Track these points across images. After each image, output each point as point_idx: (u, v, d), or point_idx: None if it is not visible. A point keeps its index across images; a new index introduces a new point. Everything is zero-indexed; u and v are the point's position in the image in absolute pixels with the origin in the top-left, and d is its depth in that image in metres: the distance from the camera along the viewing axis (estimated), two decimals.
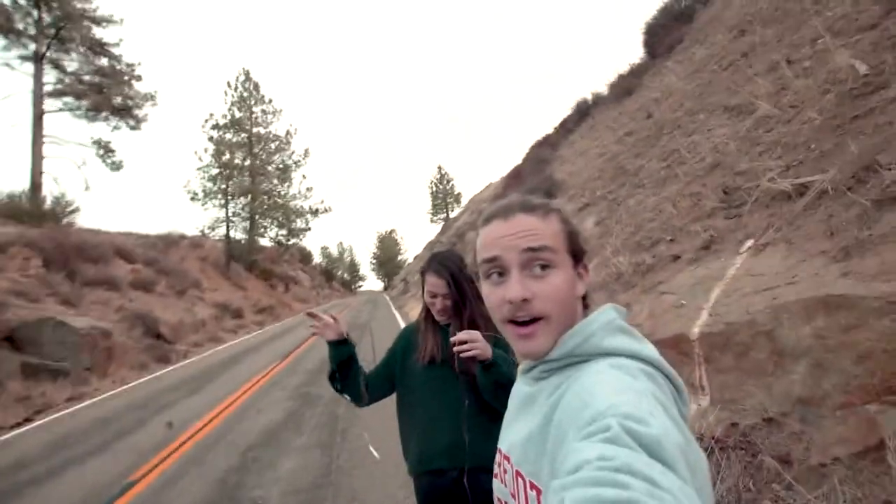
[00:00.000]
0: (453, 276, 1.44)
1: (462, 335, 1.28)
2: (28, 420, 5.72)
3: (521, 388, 0.73)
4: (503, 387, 1.28)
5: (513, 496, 0.66)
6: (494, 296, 0.63)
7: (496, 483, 0.73)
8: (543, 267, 0.61)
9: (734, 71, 5.73)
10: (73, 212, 16.21)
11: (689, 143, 5.28)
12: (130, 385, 7.99)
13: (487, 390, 1.32)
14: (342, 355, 1.53)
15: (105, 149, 19.47)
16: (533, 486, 0.60)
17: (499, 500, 0.72)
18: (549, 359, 0.64)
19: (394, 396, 1.60)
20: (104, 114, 19.11)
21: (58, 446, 4.60)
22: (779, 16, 5.72)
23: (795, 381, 1.96)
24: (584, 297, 0.69)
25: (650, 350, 0.61)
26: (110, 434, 4.91)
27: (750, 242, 2.90)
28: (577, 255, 0.66)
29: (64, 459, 4.19)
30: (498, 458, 0.73)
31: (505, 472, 0.69)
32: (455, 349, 1.28)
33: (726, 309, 2.49)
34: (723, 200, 3.60)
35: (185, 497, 3.21)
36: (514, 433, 0.69)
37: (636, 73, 11.41)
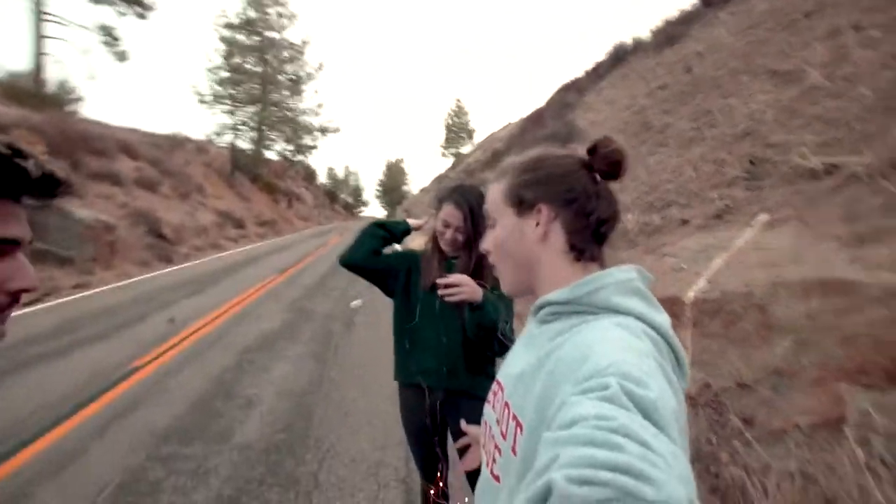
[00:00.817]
0: (472, 210, 1.42)
1: (451, 278, 1.29)
2: (37, 300, 5.97)
3: (529, 328, 0.75)
4: (486, 329, 1.33)
5: (498, 423, 0.70)
6: None
7: (487, 408, 0.77)
8: (492, 226, 0.73)
9: (793, 32, 5.29)
10: (76, 100, 15.74)
11: (724, 105, 5.00)
12: (133, 280, 8.26)
13: (471, 330, 1.36)
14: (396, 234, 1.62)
15: (110, 35, 18.38)
16: (515, 419, 0.62)
17: (485, 422, 0.77)
18: (555, 300, 0.65)
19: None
20: None
21: (65, 329, 4.85)
22: None
23: (777, 354, 2.03)
24: (573, 243, 0.67)
25: (662, 318, 0.61)
26: (115, 323, 5.16)
27: (764, 217, 2.85)
28: (523, 202, 0.68)
29: (71, 341, 4.44)
30: (494, 385, 0.77)
31: (497, 399, 0.73)
32: (440, 292, 1.29)
33: (725, 278, 2.50)
34: (747, 171, 3.49)
35: (184, 388, 3.45)
36: (510, 366, 0.72)
37: (685, 21, 10.54)
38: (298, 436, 2.78)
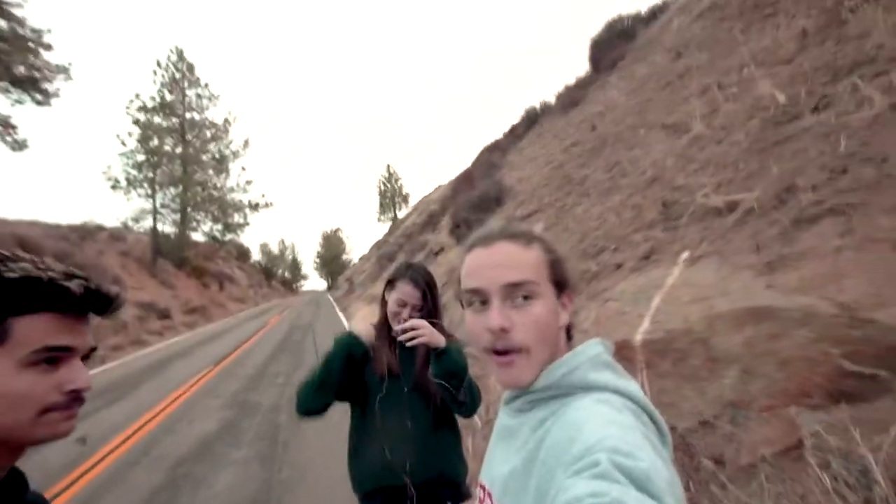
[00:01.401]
0: (430, 287, 1.40)
1: (410, 322, 1.29)
2: None
3: (502, 420, 0.72)
4: (455, 375, 1.29)
5: None
6: (476, 324, 0.63)
7: None
8: (525, 297, 0.61)
9: (671, 91, 6.17)
10: None
11: (630, 156, 5.60)
12: None
13: (439, 380, 1.31)
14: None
15: (4, 124, 17.12)
16: None
17: None
18: (534, 389, 0.63)
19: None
20: (2, 84, 16.76)
21: None
22: (711, 42, 6.24)
23: (726, 386, 2.12)
24: (568, 328, 0.69)
25: (634, 388, 0.62)
26: None
27: (686, 254, 3.12)
28: (561, 284, 0.66)
29: None
30: (478, 492, 0.71)
31: None
32: (401, 337, 1.29)
33: (666, 317, 2.65)
34: (661, 213, 3.84)
35: None
36: (495, 467, 0.68)
37: (582, 86, 11.96)
38: None
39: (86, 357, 0.60)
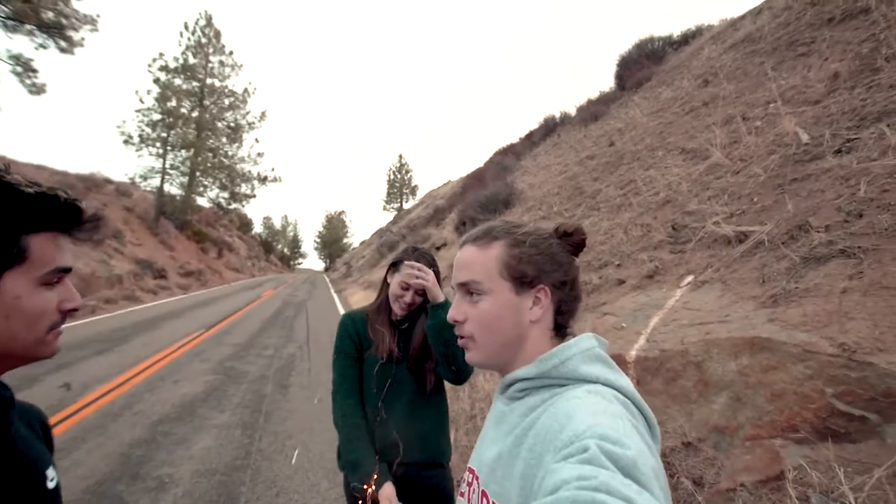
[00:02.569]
0: (436, 272, 1.40)
1: (420, 265, 1.33)
2: None
3: (496, 406, 0.74)
4: (450, 327, 1.29)
5: None
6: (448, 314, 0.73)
7: (460, 501, 0.72)
8: (475, 294, 0.68)
9: (694, 117, 6.16)
10: None
11: (645, 176, 5.60)
12: None
13: (433, 330, 1.34)
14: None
15: (25, 67, 17.10)
16: None
17: None
18: (525, 377, 0.65)
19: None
20: (28, 27, 16.74)
21: None
22: (740, 74, 6.22)
23: (715, 411, 2.13)
24: (557, 323, 0.69)
25: (626, 381, 0.63)
26: None
27: (690, 278, 3.12)
28: (525, 279, 0.67)
29: None
30: (467, 475, 0.72)
31: (472, 490, 0.68)
32: (406, 274, 1.36)
33: (663, 336, 2.65)
34: (670, 235, 3.85)
35: (80, 469, 2.91)
36: (484, 451, 0.69)
37: (604, 101, 11.94)
38: None
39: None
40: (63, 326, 0.61)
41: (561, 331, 0.70)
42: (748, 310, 2.36)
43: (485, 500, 0.62)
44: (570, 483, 0.42)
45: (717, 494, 1.81)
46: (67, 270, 0.59)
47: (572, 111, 14.06)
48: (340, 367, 1.45)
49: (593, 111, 11.64)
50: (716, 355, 2.25)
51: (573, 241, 0.72)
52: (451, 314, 0.69)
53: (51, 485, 0.64)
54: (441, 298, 1.34)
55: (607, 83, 13.42)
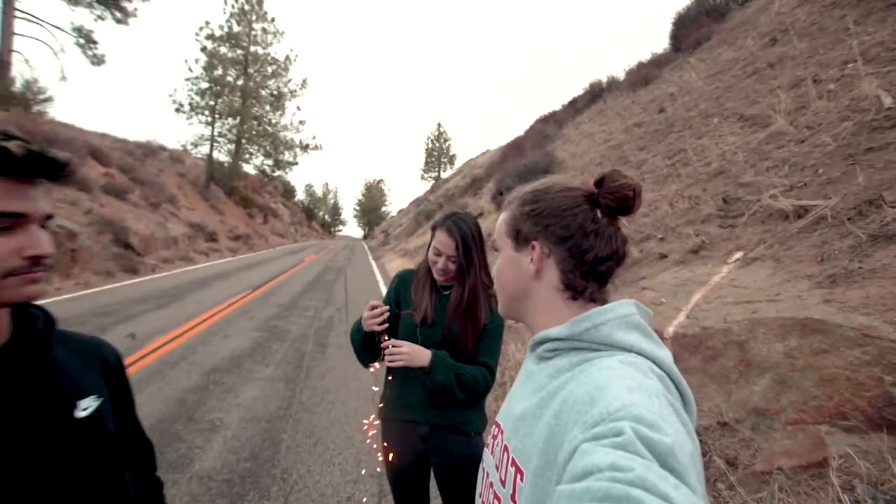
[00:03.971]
0: (464, 239, 1.38)
1: (395, 344, 1.33)
2: None
3: (526, 364, 0.73)
4: (444, 387, 1.33)
5: (496, 468, 0.66)
6: None
7: (486, 453, 0.73)
8: (497, 251, 0.75)
9: (757, 80, 5.63)
10: (45, 100, 15.12)
11: (697, 145, 5.24)
12: (94, 290, 7.81)
13: (436, 390, 1.35)
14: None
15: (86, 38, 17.98)
16: (515, 464, 0.59)
17: (483, 469, 0.72)
18: (554, 336, 0.63)
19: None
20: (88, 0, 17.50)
21: None
22: (815, 30, 5.59)
23: (756, 392, 2.04)
24: (567, 282, 0.65)
25: (665, 353, 0.59)
26: None
27: (739, 254, 2.94)
28: (517, 235, 0.69)
29: None
30: (494, 429, 0.73)
31: (497, 443, 0.69)
32: (386, 360, 1.35)
33: (705, 314, 2.54)
34: (720, 209, 3.62)
35: (142, 409, 3.19)
36: (511, 406, 0.69)
37: (657, 64, 11.13)
38: (264, 466, 2.61)
39: (43, 226, 0.61)
40: (39, 274, 0.60)
41: (577, 292, 0.65)
42: (802, 289, 2.21)
43: (506, 454, 0.63)
44: (603, 471, 0.40)
45: (752, 476, 1.76)
46: (13, 215, 0.56)
47: (621, 75, 13.24)
48: None
49: (644, 74, 10.90)
50: (761, 335, 2.13)
51: (608, 190, 0.63)
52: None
53: (80, 413, 0.67)
54: (426, 362, 1.32)
55: (662, 44, 12.44)
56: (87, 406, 0.68)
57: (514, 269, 0.70)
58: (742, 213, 3.35)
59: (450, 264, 1.40)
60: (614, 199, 0.63)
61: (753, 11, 9.04)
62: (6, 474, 0.58)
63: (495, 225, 0.76)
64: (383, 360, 1.43)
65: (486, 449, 0.73)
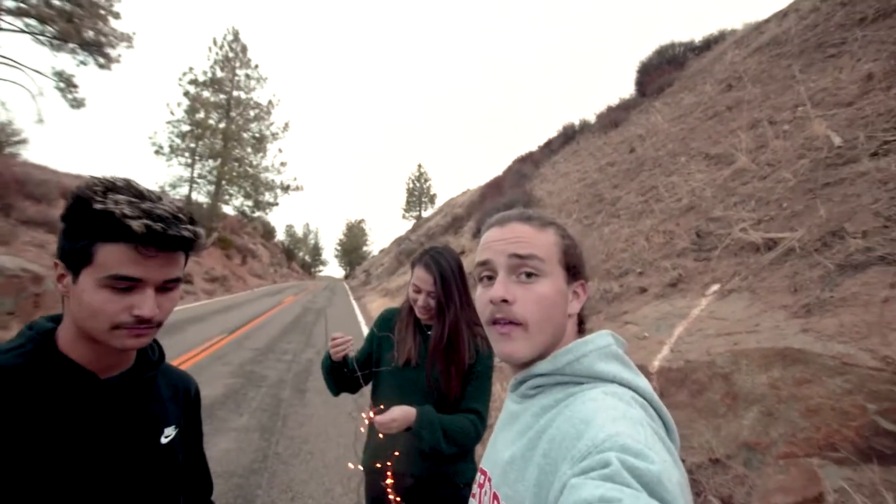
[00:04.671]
0: (442, 274, 1.36)
1: (376, 415, 1.25)
2: None
3: (508, 406, 0.71)
4: (433, 447, 1.26)
5: None
6: (482, 297, 0.64)
7: (472, 502, 0.69)
8: (530, 275, 0.61)
9: (718, 121, 6.00)
10: (19, 142, 14.89)
11: (667, 182, 5.47)
12: None
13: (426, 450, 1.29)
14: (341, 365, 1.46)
15: (67, 82, 18.02)
16: None
17: None
18: (539, 373, 0.62)
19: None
20: (71, 45, 17.69)
21: None
22: (766, 77, 6.05)
23: (745, 426, 2.03)
24: (581, 320, 0.68)
25: (643, 382, 0.59)
26: None
27: (716, 286, 3.01)
28: (574, 271, 0.65)
29: None
30: (479, 477, 0.70)
31: (484, 493, 0.66)
32: (379, 430, 1.26)
33: (688, 347, 2.55)
34: (694, 242, 3.73)
35: None
36: (497, 452, 0.66)
37: (625, 108, 11.78)
38: None
39: (165, 289, 0.69)
40: (143, 330, 0.67)
41: (582, 328, 0.68)
42: (779, 319, 2.25)
43: (496, 502, 0.60)
44: None
45: None
46: (129, 279, 0.64)
47: (592, 118, 13.94)
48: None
49: (613, 118, 11.50)
50: (745, 367, 2.14)
51: None
52: (499, 293, 0.60)
53: (163, 440, 0.77)
54: (413, 418, 1.25)
55: (628, 90, 13.28)
56: (169, 434, 0.78)
57: (564, 303, 0.63)
58: (715, 246, 3.46)
59: (430, 300, 1.37)
60: None
61: (709, 61, 9.77)
62: (96, 478, 0.68)
63: (517, 235, 0.63)
64: (358, 387, 1.42)
65: (472, 499, 0.69)
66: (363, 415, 1.33)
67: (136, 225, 0.62)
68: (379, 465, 1.34)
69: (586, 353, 0.60)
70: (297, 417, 4.15)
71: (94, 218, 0.63)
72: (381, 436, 1.38)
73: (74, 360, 0.68)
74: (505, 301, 0.60)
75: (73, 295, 0.66)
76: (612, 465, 0.43)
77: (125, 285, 0.64)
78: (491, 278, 0.63)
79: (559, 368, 0.60)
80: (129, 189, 0.66)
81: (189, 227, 0.67)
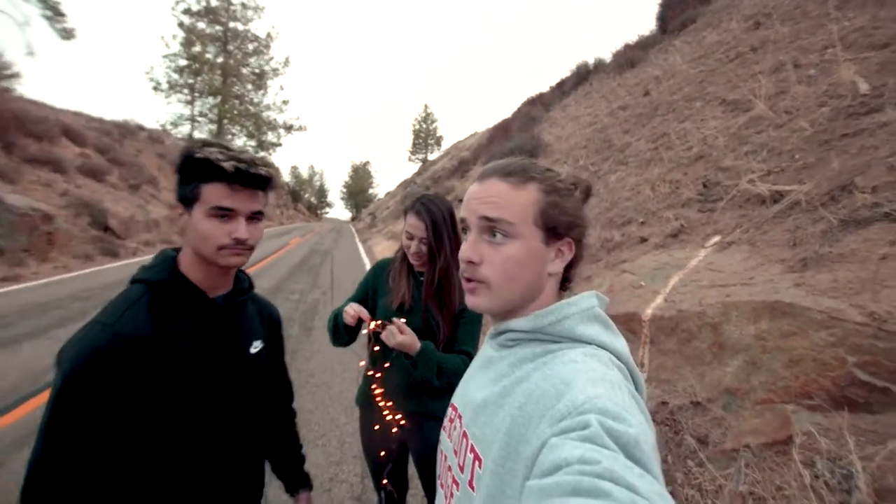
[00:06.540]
0: (434, 221, 1.37)
1: (398, 326, 1.26)
2: None
3: (485, 350, 0.73)
4: (429, 379, 1.31)
5: (455, 453, 0.66)
6: (461, 252, 0.66)
7: (443, 435, 0.73)
8: (498, 234, 0.61)
9: (740, 64, 5.65)
10: (12, 76, 14.40)
11: (680, 129, 5.26)
12: (73, 274, 7.63)
13: (420, 379, 1.33)
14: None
15: (52, 10, 17.07)
16: (474, 451, 0.60)
17: (441, 452, 0.73)
18: (518, 328, 0.64)
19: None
20: None
21: None
22: (797, 14, 5.60)
23: (728, 373, 2.11)
24: (567, 277, 0.68)
25: (622, 344, 0.61)
26: (46, 322, 4.72)
27: (716, 238, 3.00)
28: (555, 230, 0.63)
29: None
30: (450, 412, 0.73)
31: (454, 427, 0.69)
32: (382, 337, 1.28)
33: (681, 297, 2.60)
34: (700, 193, 3.66)
35: None
36: (469, 392, 0.69)
37: (643, 46, 11.07)
38: None
39: (252, 218, 0.86)
40: (240, 250, 0.86)
41: (567, 283, 0.69)
42: (774, 273, 2.27)
43: (465, 440, 0.63)
44: (571, 465, 0.41)
45: (720, 454, 1.83)
46: (227, 209, 0.83)
47: (608, 57, 13.14)
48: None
49: (630, 57, 10.83)
50: (734, 318, 2.19)
51: (584, 198, 0.69)
52: (466, 254, 0.62)
53: (252, 350, 0.98)
54: (414, 350, 1.26)
55: (648, 25, 12.37)
56: (256, 346, 0.99)
57: (538, 263, 0.62)
58: (721, 197, 3.40)
59: (422, 247, 1.39)
60: (587, 195, 0.69)
61: None
62: (210, 383, 0.89)
63: (489, 194, 0.62)
64: (374, 350, 1.40)
65: (442, 431, 0.73)
66: (367, 324, 1.34)
67: (227, 165, 0.80)
68: (377, 395, 1.43)
69: (569, 314, 0.61)
70: (304, 353, 4.36)
71: (197, 164, 0.81)
72: (375, 348, 1.45)
73: (191, 279, 0.88)
74: (472, 262, 0.62)
75: (189, 227, 0.85)
76: (592, 426, 0.44)
77: (224, 213, 0.83)
78: (466, 233, 0.65)
79: (540, 328, 0.61)
80: (220, 144, 0.84)
81: (265, 167, 0.85)
